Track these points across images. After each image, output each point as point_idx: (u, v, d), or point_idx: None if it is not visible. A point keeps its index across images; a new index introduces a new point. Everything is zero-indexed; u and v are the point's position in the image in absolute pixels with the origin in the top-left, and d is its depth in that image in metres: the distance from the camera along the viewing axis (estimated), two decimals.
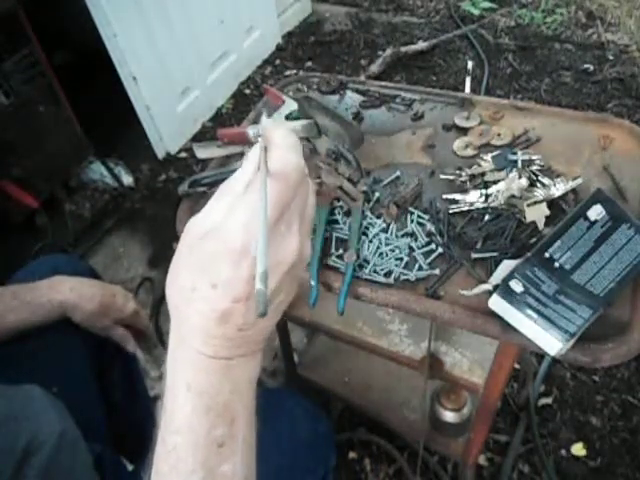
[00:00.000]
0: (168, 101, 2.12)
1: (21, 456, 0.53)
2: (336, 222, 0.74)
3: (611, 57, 2.42)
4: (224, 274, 0.34)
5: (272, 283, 0.36)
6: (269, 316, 0.36)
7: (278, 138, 0.38)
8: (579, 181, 0.72)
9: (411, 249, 0.69)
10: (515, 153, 0.78)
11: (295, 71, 2.59)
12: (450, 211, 0.73)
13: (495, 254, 0.66)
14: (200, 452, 0.37)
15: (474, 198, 0.74)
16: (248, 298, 0.35)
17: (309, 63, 2.66)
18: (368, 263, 0.68)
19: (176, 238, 0.77)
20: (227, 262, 0.34)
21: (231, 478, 0.39)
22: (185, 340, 0.37)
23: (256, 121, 0.95)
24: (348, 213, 0.74)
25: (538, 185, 0.73)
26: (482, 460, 1.23)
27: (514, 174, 0.74)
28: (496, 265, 0.64)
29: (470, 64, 1.19)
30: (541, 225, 0.68)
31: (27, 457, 0.54)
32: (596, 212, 0.62)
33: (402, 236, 0.71)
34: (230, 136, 0.89)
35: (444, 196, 0.75)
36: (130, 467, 0.81)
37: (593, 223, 0.62)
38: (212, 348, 0.36)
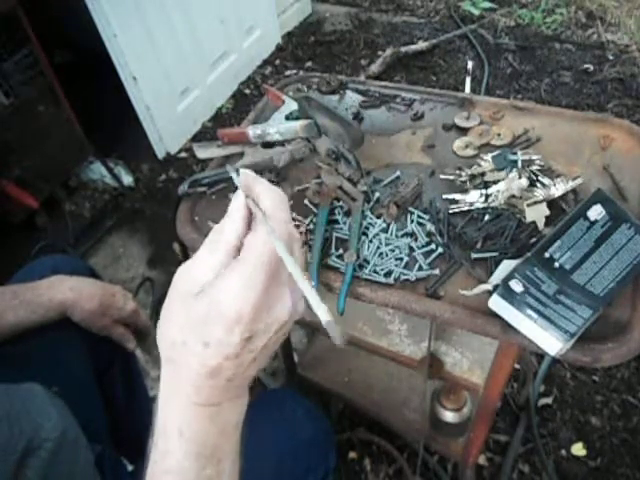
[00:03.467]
0: (168, 101, 2.12)
1: (22, 454, 0.53)
2: (336, 222, 0.74)
3: (611, 57, 2.42)
4: (217, 336, 0.35)
5: (262, 341, 0.37)
6: (255, 364, 0.39)
7: (265, 199, 0.39)
8: (579, 181, 0.72)
9: (411, 249, 0.69)
10: (515, 153, 0.78)
11: (295, 71, 2.59)
12: (450, 211, 0.73)
13: (495, 254, 0.66)
14: None
15: (474, 198, 0.74)
16: (238, 356, 0.36)
17: (309, 63, 2.66)
18: (368, 263, 0.68)
19: (176, 238, 0.78)
20: (221, 327, 0.35)
21: None
22: (177, 387, 0.39)
23: (256, 121, 0.95)
24: (348, 213, 0.74)
25: (538, 185, 0.73)
26: (482, 460, 1.23)
27: (514, 174, 0.74)
28: (496, 265, 0.64)
29: (470, 64, 1.19)
30: (541, 225, 0.68)
31: (28, 455, 0.54)
32: (596, 212, 0.62)
33: (402, 236, 0.71)
34: (230, 136, 0.89)
35: (444, 196, 0.75)
36: (130, 467, 0.81)
37: (593, 223, 0.62)
38: (203, 397, 0.38)
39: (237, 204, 0.40)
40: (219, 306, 0.35)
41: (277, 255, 0.37)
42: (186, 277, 0.38)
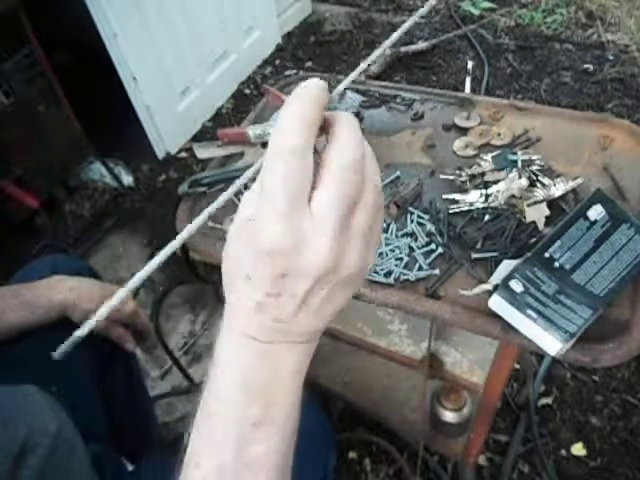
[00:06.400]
0: (168, 101, 2.12)
1: (16, 456, 0.53)
2: None
3: (611, 57, 2.42)
4: (256, 270, 0.35)
5: (302, 285, 0.35)
6: (309, 314, 0.37)
7: (342, 118, 0.34)
8: (579, 181, 0.72)
9: (411, 249, 0.69)
10: (515, 153, 0.78)
11: (295, 71, 2.59)
12: (450, 211, 0.73)
13: (495, 254, 0.66)
14: (232, 426, 0.38)
15: (474, 198, 0.74)
16: (277, 296, 0.35)
17: (309, 63, 2.66)
18: None
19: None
20: (259, 259, 0.34)
21: (261, 461, 0.39)
22: (230, 319, 0.39)
23: (256, 121, 0.95)
24: None
25: (538, 185, 0.73)
26: (482, 460, 1.23)
27: (514, 174, 0.74)
28: (496, 265, 0.64)
29: (470, 64, 1.19)
30: (541, 225, 0.68)
31: (23, 457, 0.54)
32: (596, 212, 0.62)
33: (402, 236, 0.71)
34: (230, 136, 0.89)
35: (444, 196, 0.75)
36: (130, 467, 0.81)
37: (593, 223, 0.62)
38: (252, 330, 0.38)
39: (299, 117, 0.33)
40: (258, 238, 0.34)
41: (356, 185, 0.33)
42: (245, 204, 0.36)
